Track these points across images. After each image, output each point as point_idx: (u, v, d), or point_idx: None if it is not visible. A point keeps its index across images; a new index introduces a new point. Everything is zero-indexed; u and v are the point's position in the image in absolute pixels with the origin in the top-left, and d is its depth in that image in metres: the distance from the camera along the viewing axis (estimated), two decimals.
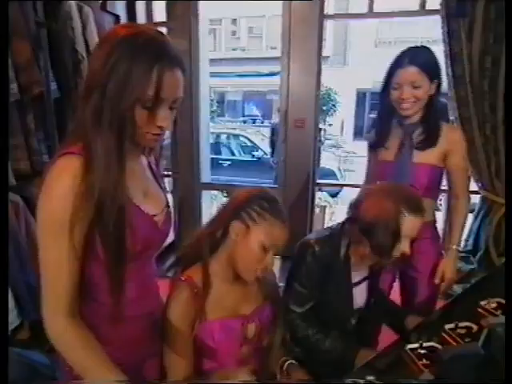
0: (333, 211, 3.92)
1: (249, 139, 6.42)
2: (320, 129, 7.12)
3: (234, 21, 14.05)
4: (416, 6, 2.90)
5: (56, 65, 1.80)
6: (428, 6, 2.79)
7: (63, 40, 1.84)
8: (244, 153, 6.55)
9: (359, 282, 1.13)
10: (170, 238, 3.40)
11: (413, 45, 1.31)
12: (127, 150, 0.71)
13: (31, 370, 1.30)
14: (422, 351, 0.70)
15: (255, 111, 14.52)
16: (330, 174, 5.86)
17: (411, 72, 1.20)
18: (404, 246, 0.98)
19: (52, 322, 0.72)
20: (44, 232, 0.69)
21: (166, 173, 3.54)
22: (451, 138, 1.28)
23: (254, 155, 6.11)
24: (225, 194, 4.72)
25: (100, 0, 2.40)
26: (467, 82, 2.37)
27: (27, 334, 1.73)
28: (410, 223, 0.97)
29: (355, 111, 13.33)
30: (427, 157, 1.27)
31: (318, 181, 3.26)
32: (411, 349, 0.73)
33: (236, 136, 6.83)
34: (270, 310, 1.01)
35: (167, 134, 0.79)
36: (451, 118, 2.51)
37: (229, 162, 6.14)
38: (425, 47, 1.27)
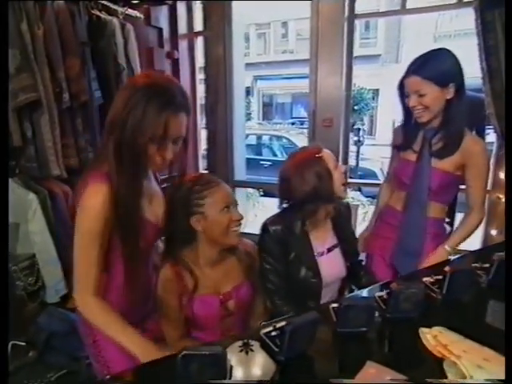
0: (366, 211, 3.85)
1: (290, 140, 6.53)
2: (358, 129, 6.96)
3: (284, 24, 14.21)
4: None
5: (101, 76, 2.11)
6: None
7: (107, 54, 2.15)
8: (286, 154, 6.66)
9: (329, 250, 1.20)
10: None
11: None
12: (142, 173, 0.93)
13: (70, 326, 1.58)
14: None
15: (303, 113, 14.51)
16: (371, 174, 5.74)
17: (413, 81, 1.20)
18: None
19: (83, 300, 0.93)
20: (81, 238, 0.91)
21: (203, 172, 3.82)
22: (471, 149, 1.24)
23: None
24: (261, 193, 4.90)
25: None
26: (503, 75, 2.27)
27: (74, 304, 2.05)
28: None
29: None
30: (444, 164, 1.27)
31: (350, 180, 3.28)
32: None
33: (279, 137, 6.97)
34: (248, 287, 1.12)
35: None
36: (487, 112, 2.42)
37: (269, 163, 6.30)
38: (439, 50, 1.23)
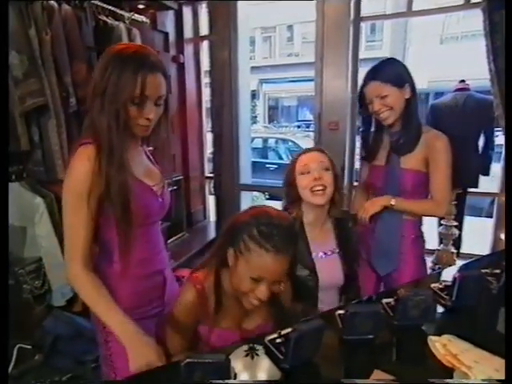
0: None
1: (295, 143, 6.52)
2: None
3: (290, 27, 14.25)
4: (461, 0, 2.80)
5: None
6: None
7: None
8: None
9: (328, 254, 1.20)
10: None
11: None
12: (127, 138, 0.92)
13: (76, 330, 1.59)
14: None
15: (309, 116, 14.50)
16: None
17: (373, 86, 1.29)
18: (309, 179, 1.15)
19: (70, 267, 0.92)
20: (68, 201, 0.91)
21: (209, 175, 3.84)
22: (433, 144, 1.30)
23: None
24: (267, 196, 4.89)
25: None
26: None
27: (80, 307, 2.06)
28: (303, 158, 1.17)
29: None
30: (411, 162, 1.32)
31: (356, 183, 3.25)
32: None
33: (285, 141, 6.97)
34: (272, 326, 0.99)
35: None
36: (495, 114, 2.39)
37: (275, 166, 6.29)
38: (387, 59, 1.35)
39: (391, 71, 1.30)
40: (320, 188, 1.14)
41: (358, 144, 2.94)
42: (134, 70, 0.87)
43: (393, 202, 1.32)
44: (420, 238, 1.42)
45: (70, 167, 0.90)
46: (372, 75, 1.31)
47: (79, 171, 0.88)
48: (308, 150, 1.22)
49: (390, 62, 1.35)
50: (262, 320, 0.99)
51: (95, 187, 0.88)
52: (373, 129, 1.43)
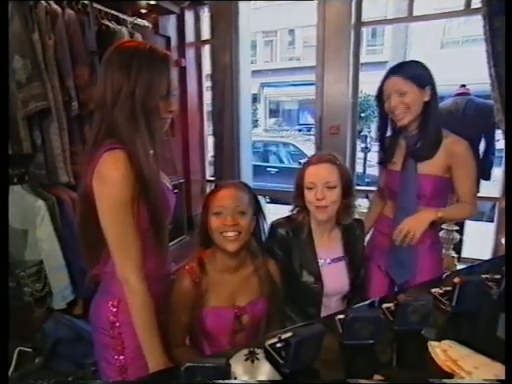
0: None
1: (296, 147, 6.53)
2: (365, 136, 6.93)
3: (291, 31, 14.32)
4: (461, 6, 2.81)
5: None
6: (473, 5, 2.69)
7: None
8: (293, 160, 6.66)
9: (334, 260, 1.19)
10: None
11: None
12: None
13: (76, 333, 1.59)
14: None
15: (310, 120, 14.52)
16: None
17: (394, 81, 1.25)
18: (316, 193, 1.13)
19: (130, 282, 0.86)
20: (108, 213, 0.85)
21: (210, 178, 3.84)
22: (454, 150, 1.26)
23: (300, 162, 6.19)
24: (268, 200, 4.88)
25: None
26: None
27: (81, 310, 2.06)
28: (311, 171, 1.15)
29: None
30: (431, 168, 1.28)
31: (357, 187, 3.25)
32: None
33: (286, 144, 6.98)
34: (264, 305, 1.08)
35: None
36: (496, 119, 2.39)
37: (276, 170, 6.30)
38: (413, 61, 1.33)
39: (415, 69, 1.27)
40: (322, 206, 1.13)
41: (358, 148, 2.96)
42: (163, 66, 0.88)
43: (440, 214, 1.25)
44: (437, 243, 1.40)
45: (103, 175, 0.84)
46: (395, 70, 1.28)
47: (117, 178, 0.83)
48: (318, 160, 1.17)
49: (416, 62, 1.32)
50: (253, 296, 1.07)
51: (134, 192, 0.85)
52: (389, 133, 1.40)
